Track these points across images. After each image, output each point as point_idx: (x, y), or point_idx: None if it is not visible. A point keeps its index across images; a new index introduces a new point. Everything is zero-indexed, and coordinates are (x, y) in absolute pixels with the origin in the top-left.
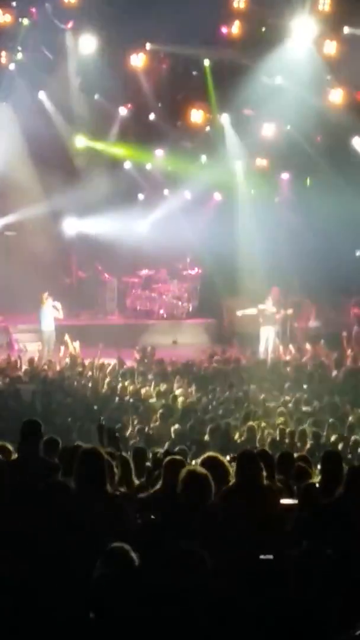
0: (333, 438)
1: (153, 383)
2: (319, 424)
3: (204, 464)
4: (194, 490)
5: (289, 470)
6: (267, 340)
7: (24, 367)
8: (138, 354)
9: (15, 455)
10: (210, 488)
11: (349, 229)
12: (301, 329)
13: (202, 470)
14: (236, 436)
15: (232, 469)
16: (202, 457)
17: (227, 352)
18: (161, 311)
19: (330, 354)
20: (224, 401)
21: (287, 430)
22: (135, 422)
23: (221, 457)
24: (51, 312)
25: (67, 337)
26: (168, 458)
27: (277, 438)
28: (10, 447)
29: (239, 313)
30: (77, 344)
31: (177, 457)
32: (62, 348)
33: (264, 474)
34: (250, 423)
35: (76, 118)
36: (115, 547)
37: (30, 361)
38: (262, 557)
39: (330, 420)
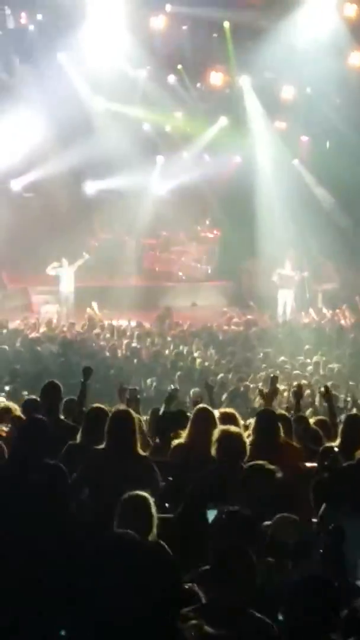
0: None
1: (172, 345)
2: (337, 387)
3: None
4: (230, 449)
5: (306, 433)
6: (285, 304)
7: (42, 328)
8: (156, 316)
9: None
10: (245, 447)
11: None
12: (321, 291)
13: (236, 429)
14: (256, 400)
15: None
16: (218, 413)
17: (245, 315)
18: (180, 273)
19: (350, 317)
20: (242, 364)
21: (306, 392)
22: (154, 384)
23: (236, 414)
24: (70, 274)
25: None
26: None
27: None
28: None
29: (275, 277)
30: (95, 305)
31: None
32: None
33: (282, 433)
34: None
35: (96, 80)
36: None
37: (49, 322)
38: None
39: (351, 383)
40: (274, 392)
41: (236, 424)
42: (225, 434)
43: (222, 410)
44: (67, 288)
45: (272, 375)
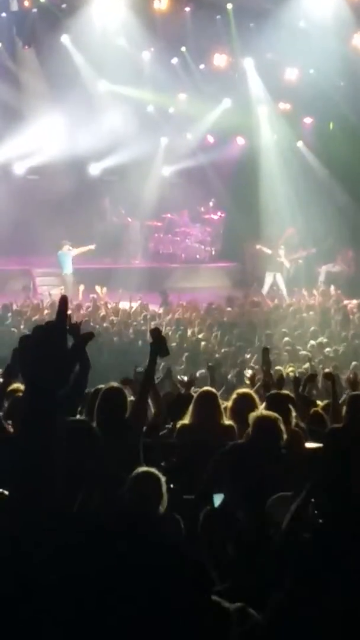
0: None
1: (174, 327)
2: (341, 367)
3: (236, 401)
4: (268, 436)
5: (309, 414)
6: (273, 285)
7: (46, 310)
8: (160, 298)
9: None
10: (282, 433)
11: None
12: (325, 272)
13: (272, 414)
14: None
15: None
16: (234, 396)
17: (249, 297)
18: (184, 255)
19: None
20: (246, 346)
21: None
22: (161, 365)
23: (254, 396)
24: (70, 256)
25: (98, 289)
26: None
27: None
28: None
29: (258, 246)
30: (98, 288)
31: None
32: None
33: (293, 415)
34: (277, 367)
35: (99, 62)
36: None
37: (53, 305)
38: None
39: (354, 363)
40: (268, 364)
41: (254, 403)
42: (261, 420)
43: (241, 390)
44: (68, 270)
45: (263, 347)
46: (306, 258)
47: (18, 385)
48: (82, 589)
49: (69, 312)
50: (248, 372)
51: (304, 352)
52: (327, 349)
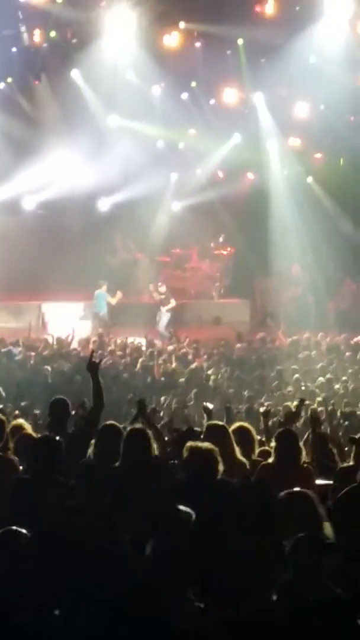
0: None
1: (185, 362)
2: (351, 404)
3: (234, 432)
4: (198, 465)
5: (323, 451)
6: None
7: (55, 346)
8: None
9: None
10: (214, 462)
11: None
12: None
13: (207, 445)
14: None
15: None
16: (233, 427)
17: (258, 333)
18: (193, 290)
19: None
20: (255, 382)
21: (319, 409)
22: (170, 400)
23: (251, 429)
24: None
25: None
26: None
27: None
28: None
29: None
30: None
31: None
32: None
33: (303, 453)
34: (286, 403)
35: (110, 97)
36: None
37: (59, 340)
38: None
39: None
40: (296, 415)
41: (251, 437)
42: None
43: (239, 423)
44: (104, 310)
45: (299, 399)
46: (315, 296)
47: (21, 422)
48: None
49: (77, 346)
50: (262, 408)
51: (313, 388)
52: (337, 386)
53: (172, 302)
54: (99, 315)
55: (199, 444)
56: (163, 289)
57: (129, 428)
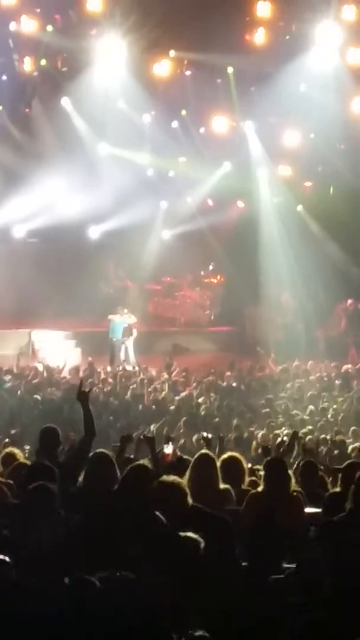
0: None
1: (175, 391)
2: (342, 432)
3: (224, 462)
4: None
5: (313, 479)
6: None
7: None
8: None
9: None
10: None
11: None
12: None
13: (172, 479)
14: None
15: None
16: (222, 457)
17: (248, 361)
18: (183, 318)
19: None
20: (246, 410)
21: (307, 438)
22: (161, 427)
23: (240, 458)
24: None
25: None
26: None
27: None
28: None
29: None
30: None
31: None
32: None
33: (292, 482)
34: (276, 432)
35: (100, 125)
36: None
37: (48, 368)
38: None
39: (353, 428)
40: (290, 449)
41: (240, 467)
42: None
43: (230, 453)
44: (119, 337)
45: (292, 431)
46: (304, 323)
47: (15, 451)
48: None
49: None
50: (258, 436)
51: (302, 417)
52: (329, 414)
53: (134, 333)
54: (113, 342)
55: (166, 477)
56: (133, 319)
57: (135, 464)
